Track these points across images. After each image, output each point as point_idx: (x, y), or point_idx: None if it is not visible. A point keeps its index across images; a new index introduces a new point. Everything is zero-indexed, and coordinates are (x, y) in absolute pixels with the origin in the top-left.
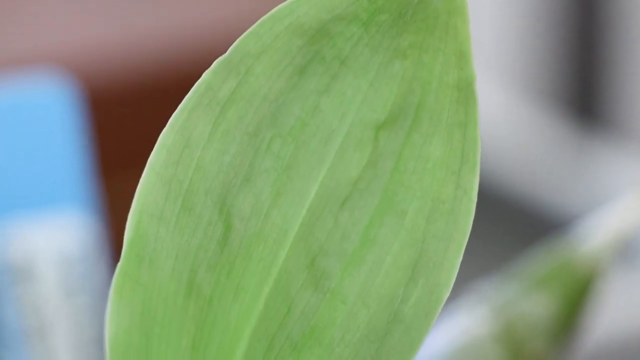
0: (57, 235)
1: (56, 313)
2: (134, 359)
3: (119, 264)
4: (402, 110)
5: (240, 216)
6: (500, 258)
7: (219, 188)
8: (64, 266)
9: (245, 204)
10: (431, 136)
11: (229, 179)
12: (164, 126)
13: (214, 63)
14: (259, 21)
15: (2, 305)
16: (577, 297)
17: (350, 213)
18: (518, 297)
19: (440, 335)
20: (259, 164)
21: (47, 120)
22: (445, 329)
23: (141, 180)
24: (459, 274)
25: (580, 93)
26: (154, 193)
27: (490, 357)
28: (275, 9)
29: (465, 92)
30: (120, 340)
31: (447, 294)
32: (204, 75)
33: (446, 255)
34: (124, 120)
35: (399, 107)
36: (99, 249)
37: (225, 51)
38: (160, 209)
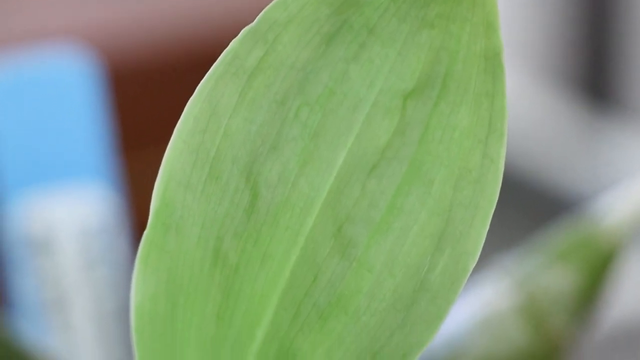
0: (77, 208)
1: (75, 285)
2: (160, 327)
3: (145, 232)
4: (429, 79)
5: (267, 184)
6: (511, 238)
7: (246, 156)
8: (84, 239)
9: (272, 172)
10: (459, 105)
11: (256, 147)
12: (186, 102)
13: (241, 32)
14: None
15: (22, 278)
16: (598, 271)
17: (377, 181)
18: (540, 270)
19: (462, 308)
20: (287, 132)
21: (68, 94)
22: (467, 302)
23: (168, 148)
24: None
25: (594, 74)
26: (181, 161)
27: (512, 330)
28: None
29: (492, 61)
30: (146, 309)
31: (473, 263)
32: (231, 44)
33: (473, 224)
34: (145, 96)
35: (426, 76)
36: (118, 222)
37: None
38: (187, 176)
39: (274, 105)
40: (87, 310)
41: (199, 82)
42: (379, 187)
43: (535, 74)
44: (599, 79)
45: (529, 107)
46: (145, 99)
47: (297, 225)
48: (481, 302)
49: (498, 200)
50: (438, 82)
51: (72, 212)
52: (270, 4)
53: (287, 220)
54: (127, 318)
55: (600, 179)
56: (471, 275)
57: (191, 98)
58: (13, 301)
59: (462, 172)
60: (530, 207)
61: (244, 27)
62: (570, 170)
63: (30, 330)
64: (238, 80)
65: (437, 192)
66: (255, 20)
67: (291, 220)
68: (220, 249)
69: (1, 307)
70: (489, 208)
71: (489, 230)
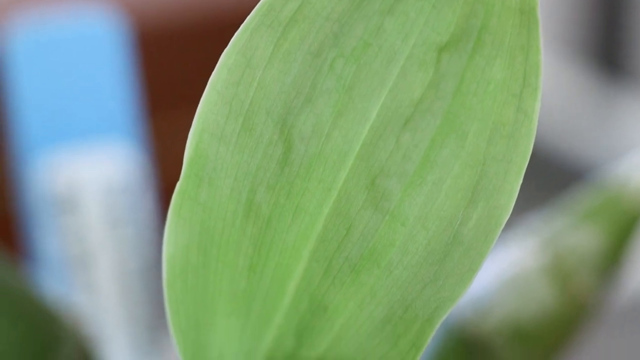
0: (102, 167)
1: (99, 244)
2: (191, 278)
3: (178, 184)
4: (464, 32)
5: (301, 136)
6: (525, 208)
7: (280, 108)
8: (109, 197)
9: (306, 124)
10: (493, 59)
11: (290, 99)
12: (214, 64)
13: None
14: None
15: (47, 236)
16: (624, 231)
17: (411, 134)
18: (566, 230)
19: (489, 268)
20: (321, 85)
21: (96, 53)
22: (494, 261)
23: (202, 99)
24: None
25: (607, 43)
26: (215, 112)
27: (538, 290)
28: None
29: (527, 15)
30: (177, 260)
31: (507, 217)
32: None
33: (506, 178)
34: (173, 57)
35: (461, 30)
36: (143, 181)
37: None
38: (221, 128)
39: (309, 57)
40: (110, 269)
41: (227, 44)
42: (412, 140)
43: (549, 44)
44: (612, 48)
45: (543, 77)
46: (173, 60)
47: (330, 178)
48: (508, 262)
49: None
50: (473, 36)
51: (97, 171)
52: None
53: (320, 173)
54: (150, 277)
55: (615, 147)
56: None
57: (225, 50)
58: (38, 259)
59: (496, 126)
60: (543, 177)
61: None
62: (584, 139)
63: (54, 287)
64: (273, 32)
65: (471, 146)
66: None
67: (324, 173)
68: (253, 202)
69: (26, 265)
70: (523, 162)
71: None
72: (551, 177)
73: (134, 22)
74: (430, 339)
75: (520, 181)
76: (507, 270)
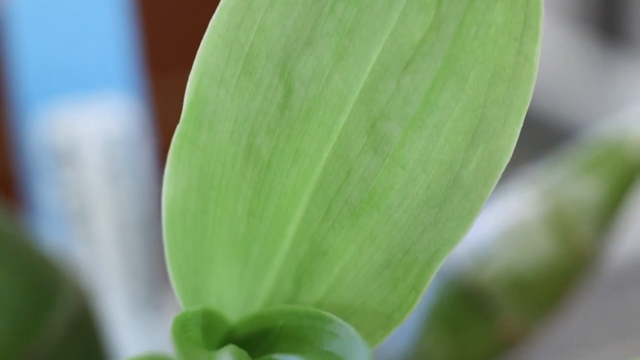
0: (101, 120)
1: (98, 197)
2: (191, 222)
3: (178, 127)
4: None
5: (301, 80)
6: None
7: (281, 51)
8: (108, 150)
9: (306, 68)
10: (494, 2)
11: (290, 42)
12: None
13: None
14: None
15: (46, 189)
16: (624, 182)
17: (412, 77)
18: (566, 181)
19: (489, 217)
20: (321, 28)
21: (97, 7)
22: (493, 212)
23: (202, 42)
24: None
25: (604, 6)
26: (215, 55)
27: (537, 240)
28: None
29: None
30: (177, 204)
31: (506, 160)
32: None
33: (507, 121)
34: (176, 14)
35: None
36: (142, 134)
37: None
38: (221, 71)
39: (310, 1)
40: (109, 222)
41: None
42: (413, 83)
43: (547, 5)
44: (611, 13)
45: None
46: (175, 17)
47: (330, 121)
48: (507, 213)
49: None
50: None
51: (96, 124)
52: None
53: (320, 116)
54: (149, 230)
55: (612, 113)
56: (497, 185)
57: None
58: (37, 212)
59: (496, 69)
60: (542, 142)
61: None
62: (581, 103)
63: (54, 240)
64: None
65: (471, 89)
66: None
67: (324, 116)
68: (253, 145)
69: (25, 217)
70: (523, 105)
71: None
72: (550, 143)
73: None
74: (430, 284)
75: (521, 124)
76: (506, 220)
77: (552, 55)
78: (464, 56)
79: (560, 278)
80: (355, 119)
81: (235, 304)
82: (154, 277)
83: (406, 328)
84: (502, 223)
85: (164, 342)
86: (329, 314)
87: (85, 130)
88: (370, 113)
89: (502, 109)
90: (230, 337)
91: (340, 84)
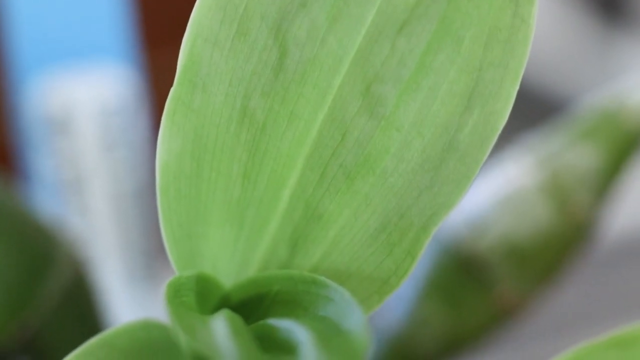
0: (96, 89)
1: (93, 166)
2: (185, 185)
3: (172, 89)
4: None
5: (295, 42)
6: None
7: (275, 13)
8: (103, 119)
9: (300, 30)
10: None
11: (285, 4)
12: None
13: None
14: None
15: (41, 158)
16: (622, 149)
17: (407, 39)
18: (564, 148)
19: (486, 185)
20: None
21: None
22: (490, 179)
23: (196, 4)
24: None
25: None
26: (209, 17)
27: (534, 208)
28: None
29: None
30: (171, 167)
31: (503, 123)
32: None
33: (502, 83)
34: None
35: None
36: (138, 104)
37: None
38: (215, 33)
39: None
40: (104, 191)
41: None
42: (408, 45)
43: None
44: None
45: (540, 17)
46: None
47: (325, 84)
48: (504, 180)
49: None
50: None
51: (91, 93)
52: None
53: (315, 79)
54: (144, 199)
55: (610, 84)
56: (494, 153)
57: None
58: (32, 181)
59: (492, 31)
60: (537, 117)
61: None
62: (580, 76)
63: (49, 209)
64: None
65: (467, 51)
66: None
67: (319, 78)
68: (247, 108)
69: (21, 186)
70: (519, 68)
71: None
72: (549, 118)
73: None
74: (426, 252)
75: (517, 87)
76: (503, 189)
77: (550, 28)
78: (459, 18)
79: (557, 246)
80: (350, 82)
81: (230, 268)
82: (149, 247)
83: (402, 297)
84: (499, 191)
85: (159, 311)
86: (324, 279)
87: (81, 100)
88: (365, 75)
89: (498, 71)
90: (225, 302)
91: (334, 46)
